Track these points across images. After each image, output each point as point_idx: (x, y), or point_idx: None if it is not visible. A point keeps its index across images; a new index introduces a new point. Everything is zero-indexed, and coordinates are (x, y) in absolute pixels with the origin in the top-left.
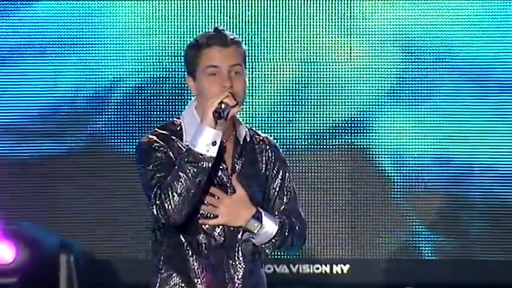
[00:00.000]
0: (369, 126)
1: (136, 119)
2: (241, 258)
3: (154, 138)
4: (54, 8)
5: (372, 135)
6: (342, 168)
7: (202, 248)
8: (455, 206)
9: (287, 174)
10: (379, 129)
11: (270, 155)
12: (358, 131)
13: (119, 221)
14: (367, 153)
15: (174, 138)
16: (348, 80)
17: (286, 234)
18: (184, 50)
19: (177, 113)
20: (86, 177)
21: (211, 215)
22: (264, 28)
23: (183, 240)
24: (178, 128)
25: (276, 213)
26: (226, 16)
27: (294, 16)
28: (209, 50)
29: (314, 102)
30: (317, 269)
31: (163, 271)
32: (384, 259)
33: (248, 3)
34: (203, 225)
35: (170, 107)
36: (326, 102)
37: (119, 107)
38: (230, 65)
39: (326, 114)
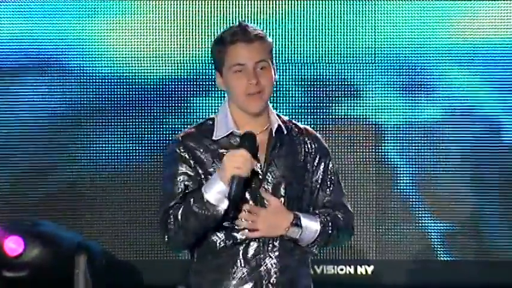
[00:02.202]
0: (393, 128)
1: (157, 120)
2: (276, 253)
3: (180, 138)
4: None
5: (399, 139)
6: (366, 171)
7: (235, 243)
8: (481, 207)
9: (330, 165)
10: (404, 132)
11: (309, 146)
12: (384, 135)
13: (141, 222)
14: (391, 155)
15: (202, 137)
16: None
17: (330, 231)
18: (211, 46)
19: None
20: (109, 178)
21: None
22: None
23: (216, 238)
24: (211, 122)
25: (318, 210)
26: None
27: (304, 16)
28: (234, 47)
29: (328, 99)
30: (341, 270)
31: (198, 269)
32: (408, 260)
33: (255, 4)
34: (238, 226)
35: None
36: (342, 101)
37: (138, 108)
38: (255, 61)
39: (347, 115)
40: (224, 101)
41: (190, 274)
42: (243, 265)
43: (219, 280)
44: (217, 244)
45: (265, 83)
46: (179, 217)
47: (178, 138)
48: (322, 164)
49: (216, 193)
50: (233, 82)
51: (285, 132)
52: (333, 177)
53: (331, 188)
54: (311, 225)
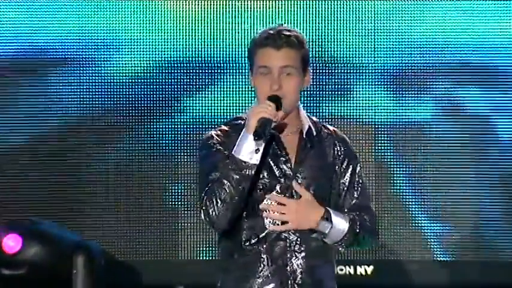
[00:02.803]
0: (391, 127)
1: (157, 120)
2: (302, 254)
3: (213, 134)
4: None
5: (397, 140)
6: (365, 171)
7: (262, 242)
8: (481, 207)
9: (357, 168)
10: (403, 132)
11: (338, 149)
12: (382, 135)
13: (140, 222)
14: (390, 155)
15: (235, 134)
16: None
17: (358, 231)
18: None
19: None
20: (108, 178)
21: (280, 222)
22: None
23: (243, 237)
24: (242, 122)
25: (346, 210)
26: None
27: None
28: (262, 51)
29: (323, 99)
30: (341, 270)
31: (225, 267)
32: (407, 260)
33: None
34: (264, 220)
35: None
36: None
37: (138, 108)
38: (280, 66)
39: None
40: (254, 101)
41: (219, 270)
42: (269, 264)
43: (244, 277)
44: (243, 242)
45: (288, 89)
46: (215, 189)
47: (211, 133)
48: (350, 167)
49: (245, 148)
50: (258, 84)
51: (315, 133)
52: (360, 181)
53: (358, 192)
54: (340, 222)
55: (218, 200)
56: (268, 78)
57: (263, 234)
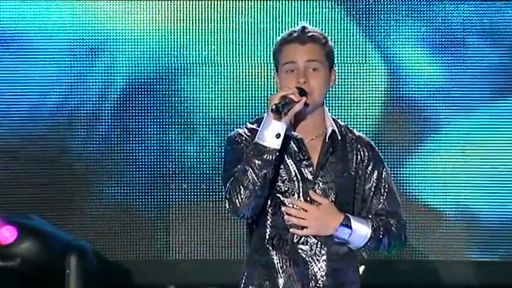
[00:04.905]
0: (389, 124)
1: (148, 121)
2: (324, 257)
3: (240, 131)
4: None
5: (393, 141)
6: None
7: (284, 243)
8: (477, 206)
9: (384, 173)
10: (403, 136)
11: (362, 154)
12: (383, 139)
13: (133, 222)
14: (386, 153)
15: None
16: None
17: (381, 236)
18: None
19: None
20: (101, 178)
21: (301, 227)
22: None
23: (267, 235)
24: None
25: (370, 216)
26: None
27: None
28: (287, 47)
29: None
30: None
31: (250, 263)
32: (399, 260)
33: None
34: (286, 222)
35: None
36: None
37: (136, 108)
38: (306, 60)
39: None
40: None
41: (244, 265)
42: (291, 266)
43: (267, 276)
44: (267, 241)
45: (315, 84)
46: (239, 177)
47: (238, 131)
48: (376, 172)
49: (267, 133)
50: (284, 81)
51: (339, 138)
52: (386, 186)
53: (384, 196)
54: (362, 228)
55: (241, 187)
56: (294, 75)
57: (286, 236)
